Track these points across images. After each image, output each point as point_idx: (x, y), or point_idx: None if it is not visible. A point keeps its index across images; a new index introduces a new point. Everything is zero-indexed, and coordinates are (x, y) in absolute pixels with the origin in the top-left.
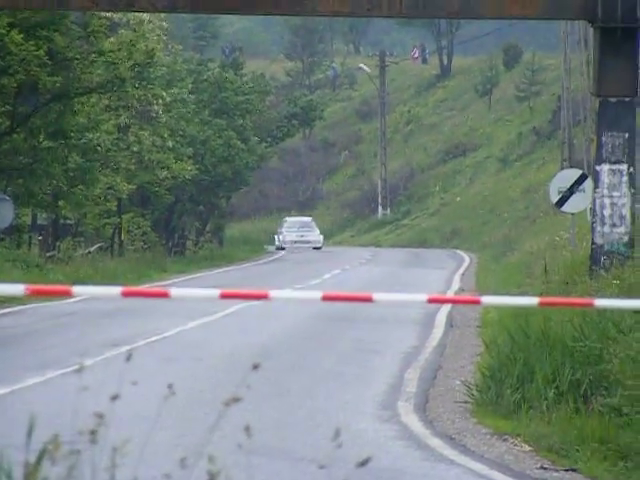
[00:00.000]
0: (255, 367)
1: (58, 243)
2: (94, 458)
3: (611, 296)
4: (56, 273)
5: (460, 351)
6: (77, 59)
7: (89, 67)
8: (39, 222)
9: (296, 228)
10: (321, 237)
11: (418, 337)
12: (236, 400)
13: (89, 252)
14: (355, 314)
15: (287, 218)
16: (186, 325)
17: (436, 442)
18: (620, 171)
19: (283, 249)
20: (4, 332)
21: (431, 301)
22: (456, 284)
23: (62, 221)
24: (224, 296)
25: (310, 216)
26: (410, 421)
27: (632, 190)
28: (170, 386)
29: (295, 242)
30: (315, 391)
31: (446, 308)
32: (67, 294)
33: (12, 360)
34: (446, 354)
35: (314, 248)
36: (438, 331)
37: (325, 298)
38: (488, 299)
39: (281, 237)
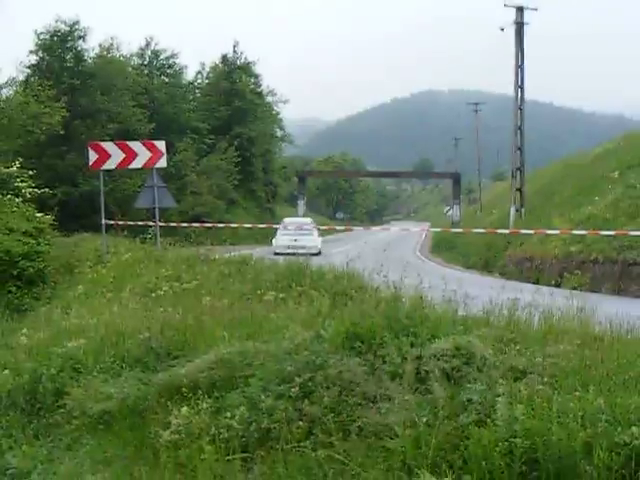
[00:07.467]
0: None
1: None
2: None
3: None
4: None
5: None
6: None
7: None
8: None
9: (292, 230)
10: (319, 240)
11: None
12: None
13: None
14: None
15: (285, 219)
16: None
17: None
18: None
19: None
20: None
21: None
22: None
23: None
24: None
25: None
26: None
27: None
28: None
29: (288, 247)
30: None
31: None
32: None
33: None
34: None
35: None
36: None
37: None
38: None
39: (274, 241)
